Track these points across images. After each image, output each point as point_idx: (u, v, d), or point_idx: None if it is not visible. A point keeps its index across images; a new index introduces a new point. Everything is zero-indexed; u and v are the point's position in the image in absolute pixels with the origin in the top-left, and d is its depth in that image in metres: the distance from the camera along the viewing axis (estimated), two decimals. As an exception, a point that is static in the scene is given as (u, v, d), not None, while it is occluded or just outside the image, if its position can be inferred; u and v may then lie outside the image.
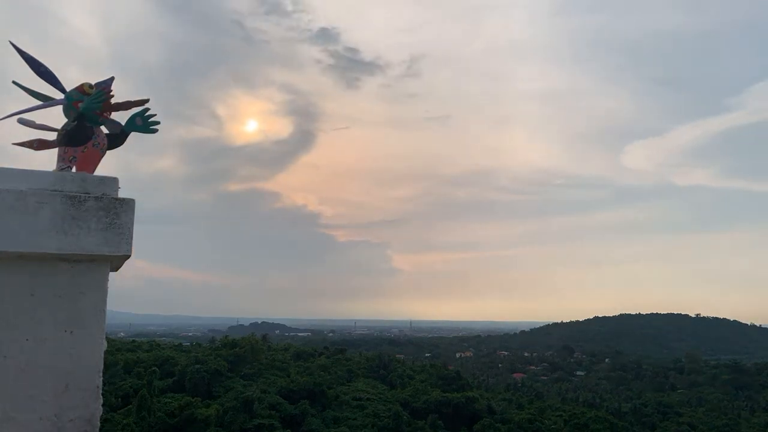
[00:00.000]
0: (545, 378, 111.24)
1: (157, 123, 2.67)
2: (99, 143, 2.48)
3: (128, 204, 2.16)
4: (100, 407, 2.11)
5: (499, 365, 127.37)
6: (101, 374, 2.12)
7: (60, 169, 2.39)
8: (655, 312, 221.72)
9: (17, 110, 2.49)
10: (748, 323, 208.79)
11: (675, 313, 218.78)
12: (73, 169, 2.40)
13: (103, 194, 2.14)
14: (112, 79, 2.55)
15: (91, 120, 2.46)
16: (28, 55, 2.51)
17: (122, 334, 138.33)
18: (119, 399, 43.07)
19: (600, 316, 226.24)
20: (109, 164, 2.50)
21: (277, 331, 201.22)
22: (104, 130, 2.54)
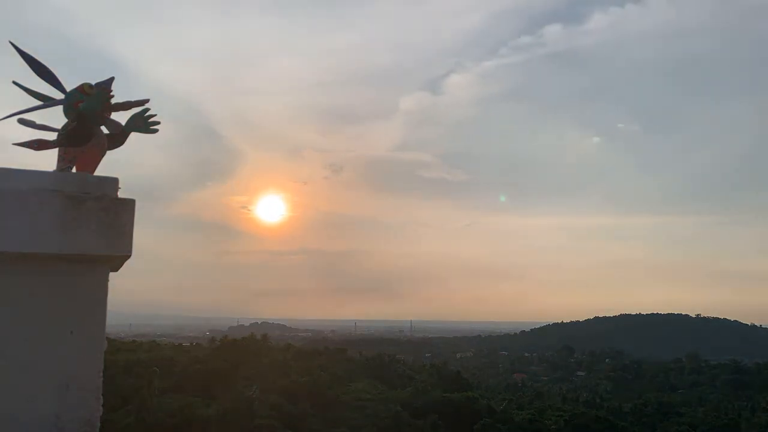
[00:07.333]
0: (546, 378, 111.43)
1: (158, 123, 2.65)
2: (99, 143, 2.47)
3: (128, 204, 2.14)
4: (100, 407, 2.10)
5: (500, 365, 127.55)
6: (101, 374, 2.11)
7: (60, 169, 2.38)
8: (655, 312, 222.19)
9: (17, 110, 2.48)
10: (748, 323, 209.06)
11: (675, 313, 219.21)
12: (73, 170, 2.39)
13: (103, 194, 2.12)
14: (112, 79, 2.54)
15: (92, 120, 2.45)
16: (29, 55, 2.50)
17: (122, 334, 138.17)
18: (119, 399, 43.02)
19: (600, 316, 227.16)
20: (109, 164, 2.49)
21: (278, 332, 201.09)
22: (104, 130, 2.53)
